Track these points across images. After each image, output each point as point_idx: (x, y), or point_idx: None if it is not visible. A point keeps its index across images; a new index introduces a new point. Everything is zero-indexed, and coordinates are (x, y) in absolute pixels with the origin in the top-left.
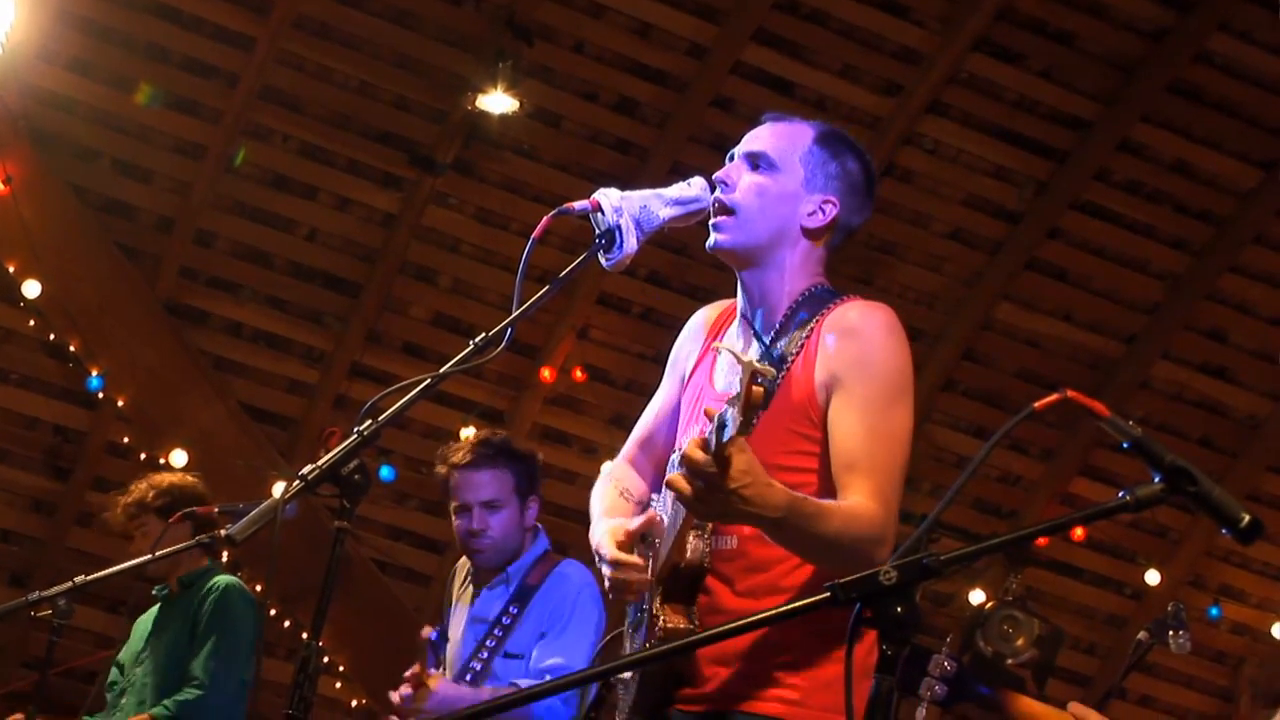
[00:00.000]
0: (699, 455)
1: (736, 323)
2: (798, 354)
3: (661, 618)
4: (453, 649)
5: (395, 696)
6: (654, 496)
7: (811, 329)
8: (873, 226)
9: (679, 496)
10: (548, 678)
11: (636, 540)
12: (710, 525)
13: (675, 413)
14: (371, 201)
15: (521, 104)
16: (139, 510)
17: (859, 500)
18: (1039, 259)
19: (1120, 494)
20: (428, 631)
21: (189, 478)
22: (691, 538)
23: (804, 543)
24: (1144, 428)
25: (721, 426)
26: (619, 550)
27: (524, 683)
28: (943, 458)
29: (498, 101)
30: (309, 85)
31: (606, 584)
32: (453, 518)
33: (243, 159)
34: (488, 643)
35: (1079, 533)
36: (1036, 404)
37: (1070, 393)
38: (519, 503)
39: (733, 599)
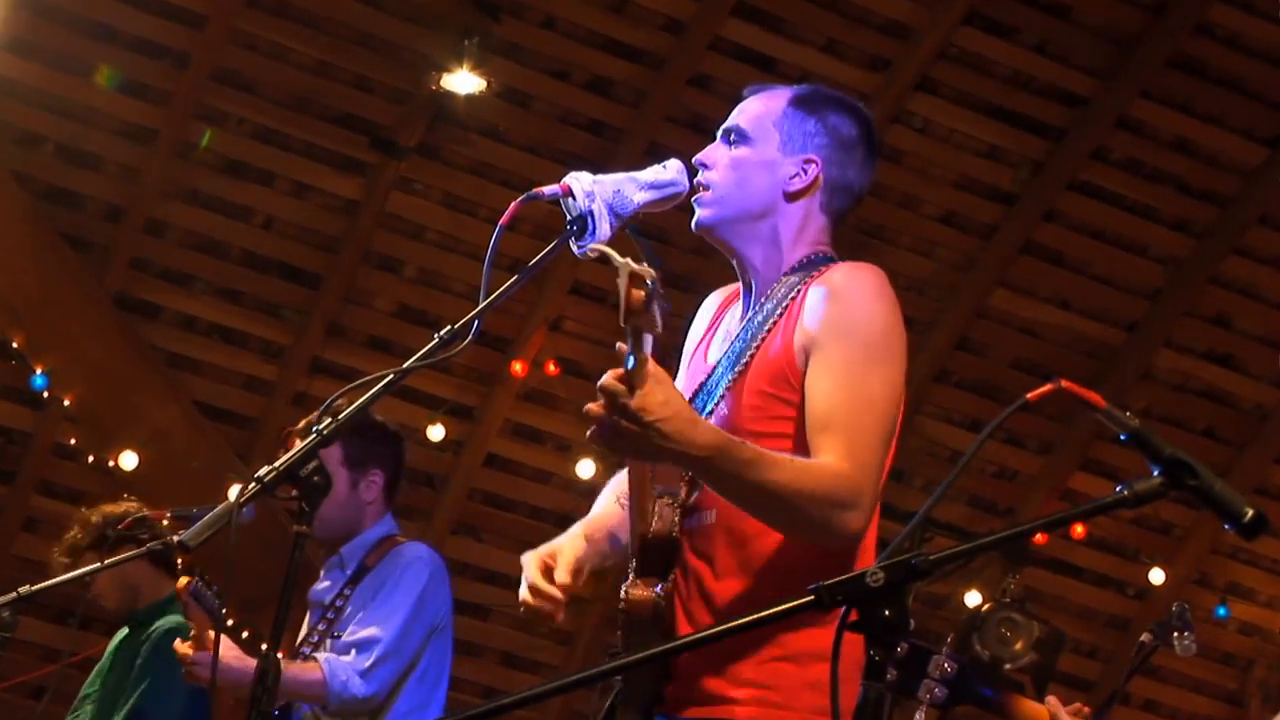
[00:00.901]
0: (613, 384)
1: (739, 304)
2: (781, 315)
3: (627, 591)
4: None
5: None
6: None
7: (798, 291)
8: (860, 210)
9: (594, 432)
10: (353, 652)
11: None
12: (681, 497)
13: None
14: (331, 187)
15: (489, 83)
16: (79, 555)
17: (827, 460)
18: (1035, 243)
19: (1118, 488)
20: (185, 584)
21: (130, 507)
22: (660, 506)
23: (745, 493)
24: (1146, 419)
25: (628, 355)
26: (539, 577)
27: (319, 658)
28: (935, 452)
29: (464, 81)
30: (264, 65)
31: (521, 606)
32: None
33: (209, 141)
34: (319, 626)
35: (1079, 530)
36: (1030, 395)
37: (1065, 383)
38: (348, 475)
39: (712, 578)
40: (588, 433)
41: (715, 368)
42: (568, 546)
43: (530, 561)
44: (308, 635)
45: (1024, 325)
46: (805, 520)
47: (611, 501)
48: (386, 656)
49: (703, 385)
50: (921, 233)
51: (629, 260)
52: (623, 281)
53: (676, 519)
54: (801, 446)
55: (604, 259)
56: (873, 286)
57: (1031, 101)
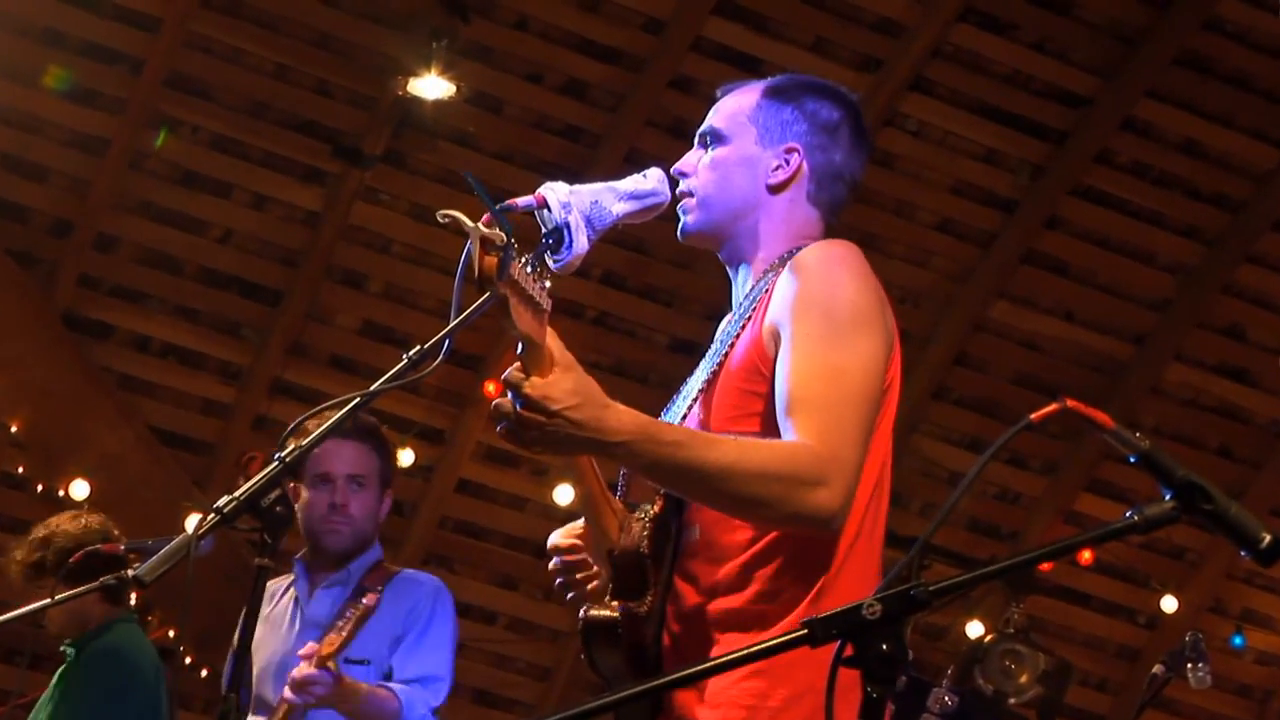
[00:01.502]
0: (514, 374)
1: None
2: (754, 310)
3: (586, 608)
4: (273, 660)
5: (296, 679)
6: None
7: (771, 282)
8: (851, 217)
9: (502, 427)
10: (416, 687)
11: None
12: (654, 511)
13: None
14: (292, 199)
15: (458, 88)
16: (36, 574)
17: (792, 439)
18: (1036, 251)
19: (1127, 513)
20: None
21: (91, 522)
22: (630, 522)
23: (682, 479)
24: (1155, 438)
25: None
26: (561, 538)
27: (394, 688)
28: (933, 473)
29: (431, 85)
30: (220, 70)
31: (556, 581)
32: (302, 492)
33: (164, 140)
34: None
35: (1086, 556)
36: (1033, 415)
37: (1070, 402)
38: (379, 491)
39: (696, 599)
40: (496, 429)
41: (693, 373)
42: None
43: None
44: (291, 649)
45: (1025, 338)
46: (762, 501)
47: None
48: (445, 696)
49: (678, 391)
50: (916, 241)
51: (480, 225)
52: (474, 247)
53: (646, 534)
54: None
55: (455, 225)
56: (837, 257)
57: (1031, 102)
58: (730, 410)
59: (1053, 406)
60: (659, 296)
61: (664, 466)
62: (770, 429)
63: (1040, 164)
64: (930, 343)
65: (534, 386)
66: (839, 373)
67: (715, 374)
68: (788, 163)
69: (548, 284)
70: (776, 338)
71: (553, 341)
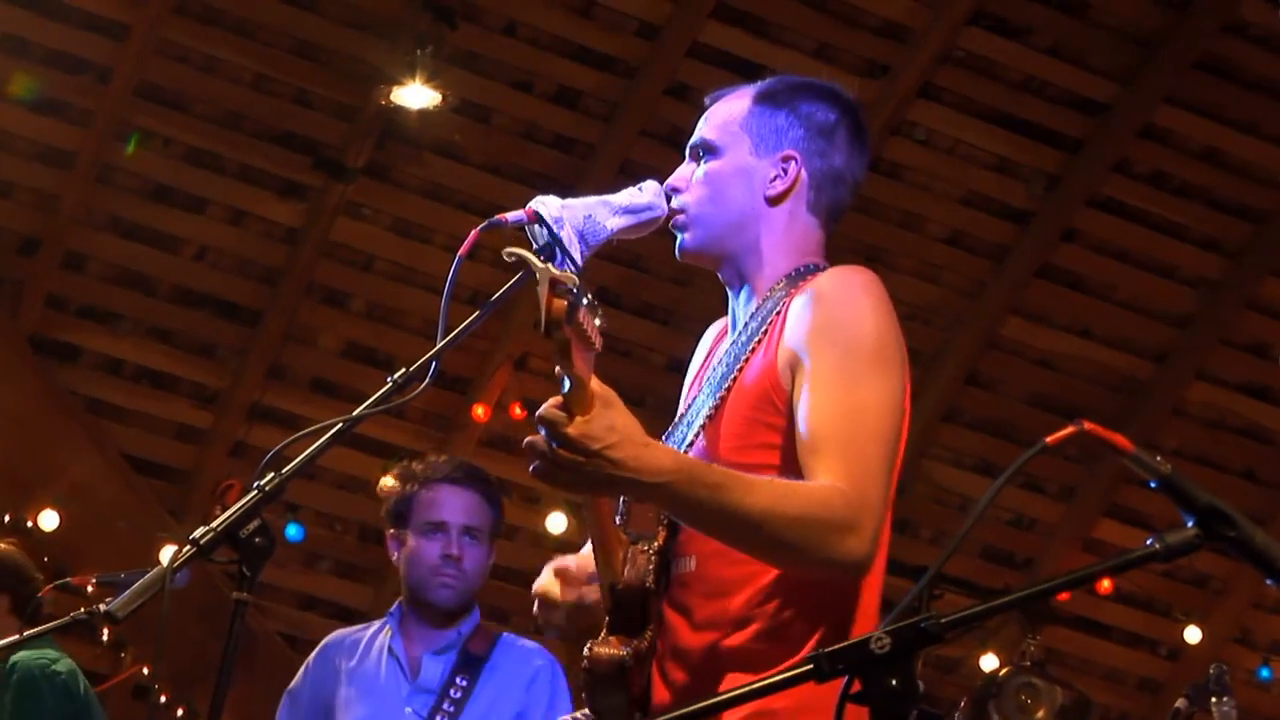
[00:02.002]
0: (552, 412)
1: (730, 331)
2: (765, 332)
3: (590, 648)
4: None
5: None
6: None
7: (782, 305)
8: (857, 230)
9: (536, 467)
10: None
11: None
12: (658, 543)
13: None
14: (270, 214)
15: (444, 97)
16: None
17: (822, 482)
18: (1051, 265)
19: (1148, 541)
20: None
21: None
22: (633, 553)
23: (719, 523)
24: (1177, 460)
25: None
26: (550, 580)
27: None
28: (944, 499)
29: (416, 94)
30: (194, 80)
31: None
32: (407, 539)
33: (135, 148)
34: (438, 718)
35: (1106, 584)
36: (1049, 438)
37: (1087, 424)
38: (489, 546)
39: (690, 634)
40: (530, 468)
41: (696, 398)
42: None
43: (547, 572)
44: (399, 715)
45: (1040, 357)
46: (794, 547)
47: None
48: None
49: (682, 417)
50: (925, 255)
51: (550, 265)
52: (542, 290)
53: (651, 567)
54: (794, 476)
55: (522, 263)
56: (859, 286)
57: (1045, 109)
58: (738, 439)
59: (1069, 429)
60: (656, 315)
61: (702, 509)
62: (785, 462)
63: (1055, 174)
64: (940, 362)
65: (575, 426)
66: (864, 411)
67: (723, 400)
68: (785, 172)
69: (600, 321)
70: (793, 367)
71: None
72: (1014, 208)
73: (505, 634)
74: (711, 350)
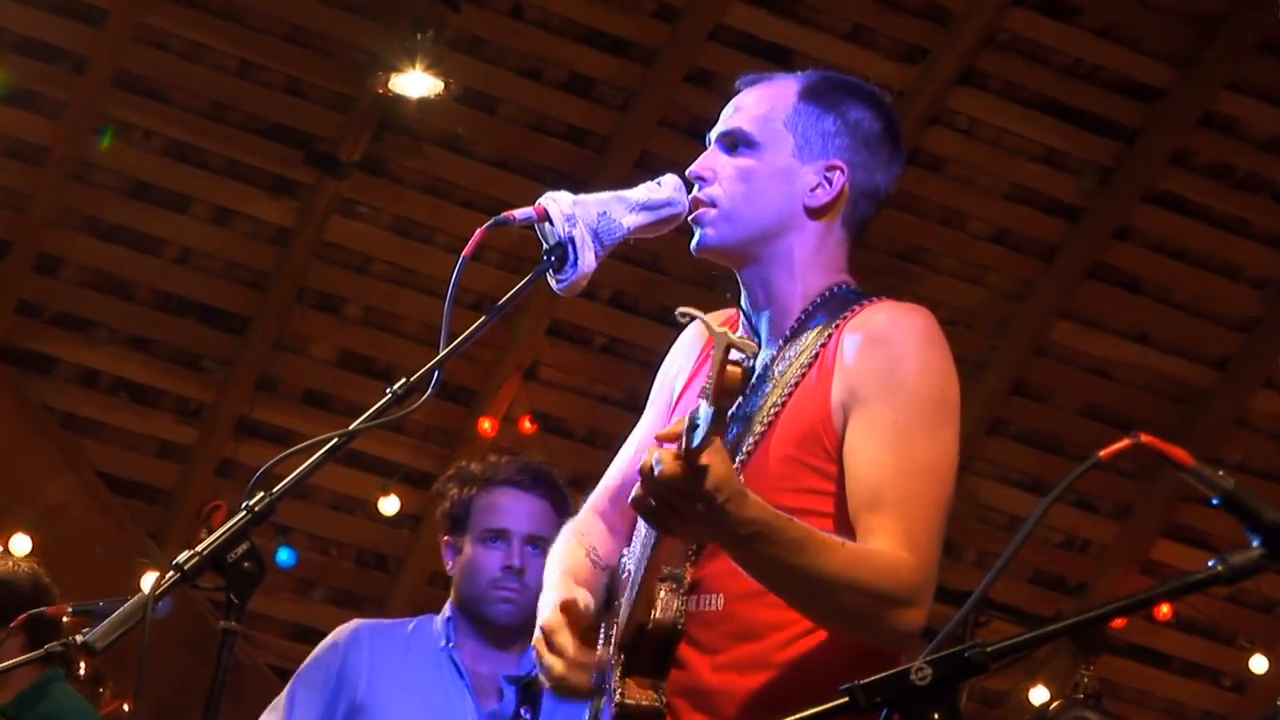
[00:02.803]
0: (675, 467)
1: (739, 331)
2: (810, 365)
3: (622, 693)
4: None
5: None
6: (625, 552)
7: (829, 336)
8: (895, 229)
9: (646, 514)
10: None
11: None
12: (687, 580)
13: None
14: (259, 213)
15: (446, 85)
16: None
17: (881, 545)
18: (1104, 265)
19: (1210, 562)
20: None
21: (21, 568)
22: (663, 592)
23: (788, 580)
24: (1241, 475)
25: (694, 427)
26: (566, 633)
27: None
28: (989, 519)
29: (416, 82)
30: (176, 68)
31: (543, 677)
32: (466, 547)
33: (112, 139)
34: None
35: (1165, 610)
36: (1102, 452)
37: (1143, 436)
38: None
39: (711, 675)
40: (637, 502)
41: (733, 427)
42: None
43: (556, 617)
44: None
45: (1093, 364)
46: (857, 616)
47: (580, 554)
48: None
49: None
50: (968, 255)
51: (728, 330)
52: (718, 355)
53: (681, 608)
54: (842, 524)
55: (695, 324)
56: (924, 333)
57: (1097, 96)
58: (781, 480)
59: (1124, 442)
60: (675, 320)
61: (778, 565)
62: (835, 516)
63: (1108, 166)
64: (985, 370)
65: (713, 477)
66: (929, 471)
67: (763, 435)
68: (830, 183)
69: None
70: (847, 410)
71: None
72: (1063, 203)
73: None
74: (708, 349)
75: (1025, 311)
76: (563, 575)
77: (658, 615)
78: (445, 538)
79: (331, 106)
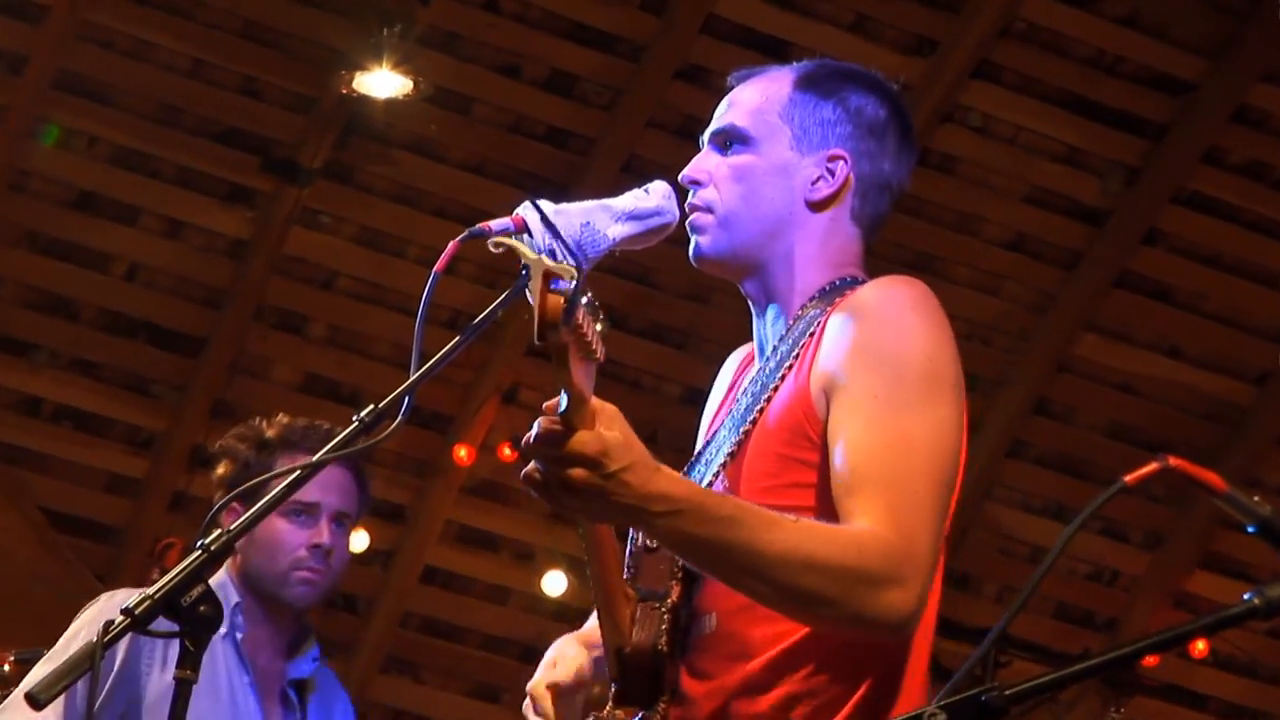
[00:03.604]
0: (553, 427)
1: (757, 355)
2: (795, 359)
3: None
4: None
5: None
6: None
7: (818, 325)
8: (904, 235)
9: (538, 491)
10: None
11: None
12: (672, 600)
13: None
14: (213, 224)
15: (416, 84)
16: None
17: (859, 525)
18: (1131, 273)
19: (1247, 595)
20: None
21: None
22: (643, 612)
23: (728, 563)
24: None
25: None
26: (548, 703)
27: None
28: (1010, 550)
29: (383, 82)
30: (123, 68)
31: None
32: (273, 519)
33: (54, 144)
34: None
35: (1200, 647)
36: (1128, 477)
37: (1172, 459)
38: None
39: (708, 703)
40: (528, 480)
41: (716, 432)
42: (569, 662)
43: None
44: None
45: (1120, 380)
46: (820, 600)
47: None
48: None
49: (699, 455)
50: (984, 263)
51: (544, 257)
52: (535, 284)
53: (664, 628)
54: (831, 520)
55: (510, 253)
56: (909, 300)
57: (1121, 90)
58: (766, 479)
59: (1151, 466)
60: (669, 338)
61: (710, 545)
62: (822, 504)
63: (1134, 165)
64: (1003, 388)
65: (589, 442)
66: (912, 444)
67: (747, 434)
68: (831, 174)
69: (602, 327)
70: (828, 393)
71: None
72: (1087, 206)
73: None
74: (735, 380)
75: (1046, 324)
76: (568, 639)
77: (636, 637)
78: (233, 505)
79: (291, 108)
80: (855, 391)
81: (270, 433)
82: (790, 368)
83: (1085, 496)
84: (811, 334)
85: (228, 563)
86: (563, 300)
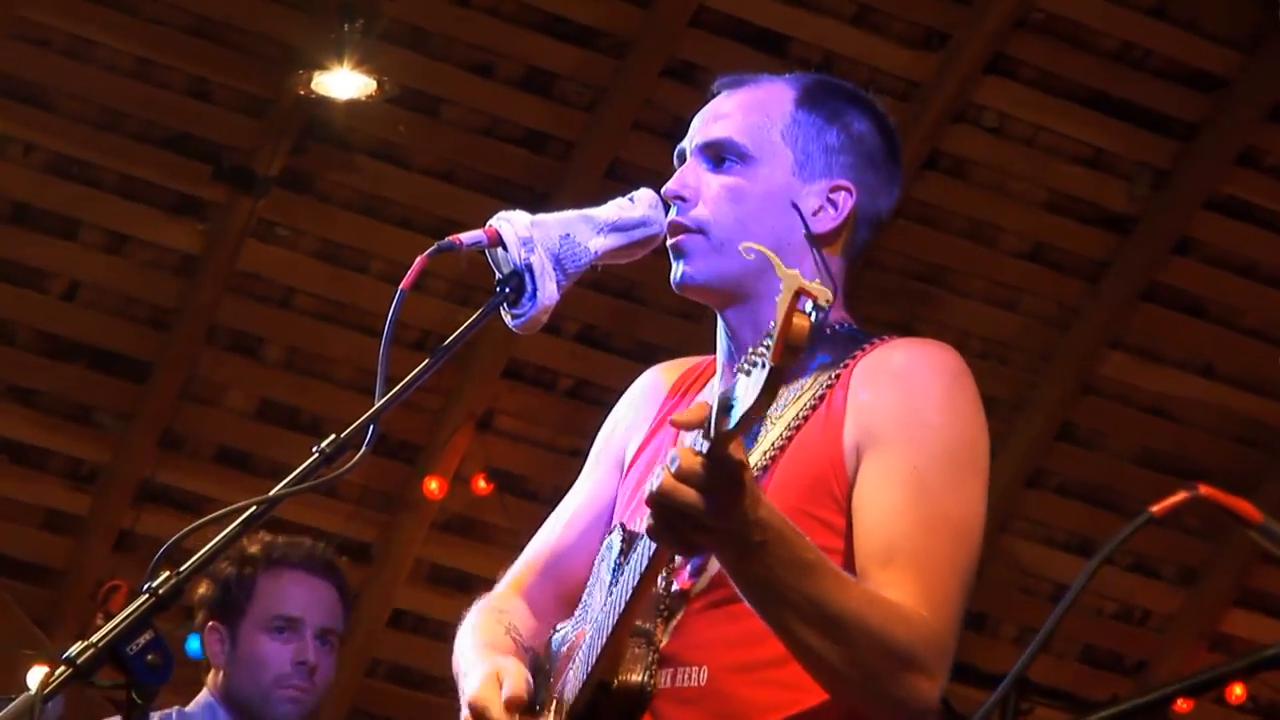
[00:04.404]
0: (696, 463)
1: (716, 381)
2: (814, 408)
3: None
4: None
5: None
6: (557, 627)
7: (836, 376)
8: (913, 245)
9: (662, 531)
10: None
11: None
12: (661, 643)
13: (602, 519)
14: (160, 238)
15: (380, 84)
16: None
17: (901, 600)
18: (1161, 285)
19: None
20: None
21: None
22: (633, 648)
23: (791, 612)
24: None
25: (727, 407)
26: (499, 708)
27: None
28: (1031, 587)
29: (344, 82)
30: (61, 69)
31: None
32: (244, 635)
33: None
34: None
35: (1238, 691)
36: (1155, 508)
37: (1202, 488)
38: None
39: None
40: (660, 522)
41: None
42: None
43: (486, 689)
44: None
45: (1150, 402)
46: (869, 674)
47: (499, 630)
48: None
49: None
50: (1000, 275)
51: (798, 272)
52: (784, 302)
53: (653, 667)
54: None
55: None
56: (951, 371)
57: (1149, 86)
58: None
59: (1180, 495)
60: (657, 358)
61: (780, 587)
62: (844, 569)
63: (1163, 168)
64: (1022, 412)
65: (711, 469)
66: (954, 526)
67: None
68: (835, 206)
69: None
70: (860, 455)
71: None
72: (1112, 212)
73: None
74: (669, 402)
75: (1069, 341)
76: (482, 648)
77: (624, 675)
78: (210, 623)
79: (245, 111)
80: (895, 460)
81: (253, 549)
82: (809, 418)
83: (1112, 529)
84: (830, 386)
85: (211, 680)
86: (809, 323)
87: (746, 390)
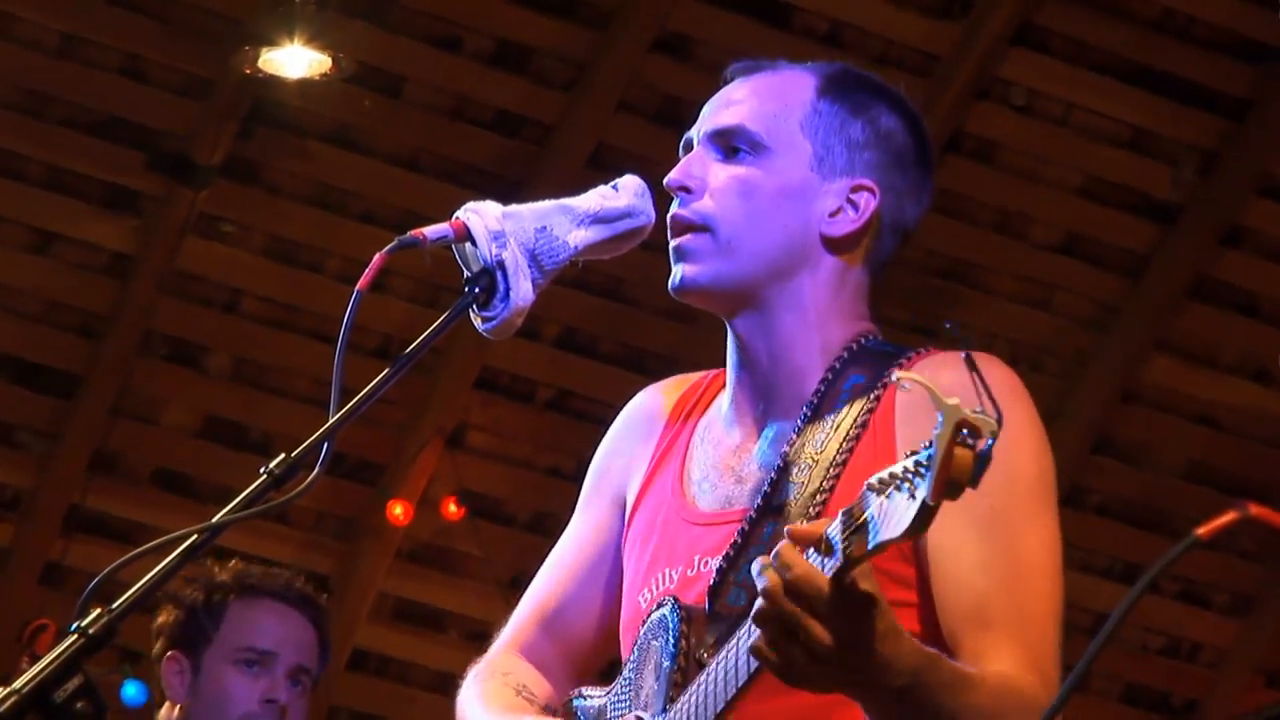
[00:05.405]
0: (821, 585)
1: (727, 401)
2: (858, 439)
3: None
4: None
5: None
6: (582, 693)
7: (876, 399)
8: (936, 239)
9: (769, 642)
10: None
11: None
12: None
13: (606, 564)
14: (90, 236)
15: (335, 61)
16: None
17: (1005, 669)
18: (1210, 280)
19: None
20: None
21: None
22: None
23: None
24: None
25: (856, 527)
26: None
27: None
28: (1068, 617)
29: (295, 59)
30: None
31: None
32: (208, 668)
33: None
34: None
35: None
36: (1201, 529)
37: (1252, 507)
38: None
39: None
40: (771, 653)
41: (749, 521)
42: None
43: None
44: None
45: (1199, 411)
46: None
47: (509, 693)
48: None
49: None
50: (1031, 270)
51: (959, 402)
52: (945, 433)
53: None
54: (925, 639)
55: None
56: (1013, 391)
57: (1195, 58)
58: None
59: (1228, 515)
60: (647, 365)
61: (925, 714)
62: (915, 630)
63: (1211, 150)
64: (1057, 422)
65: (836, 601)
66: (1043, 569)
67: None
68: (856, 207)
69: None
70: None
71: None
72: (1155, 200)
73: None
74: (670, 435)
75: (1108, 344)
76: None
77: None
78: (170, 652)
79: (183, 93)
80: (969, 502)
81: (223, 576)
82: (851, 454)
83: (1157, 552)
84: (871, 412)
85: (170, 716)
86: (972, 457)
87: (892, 517)
